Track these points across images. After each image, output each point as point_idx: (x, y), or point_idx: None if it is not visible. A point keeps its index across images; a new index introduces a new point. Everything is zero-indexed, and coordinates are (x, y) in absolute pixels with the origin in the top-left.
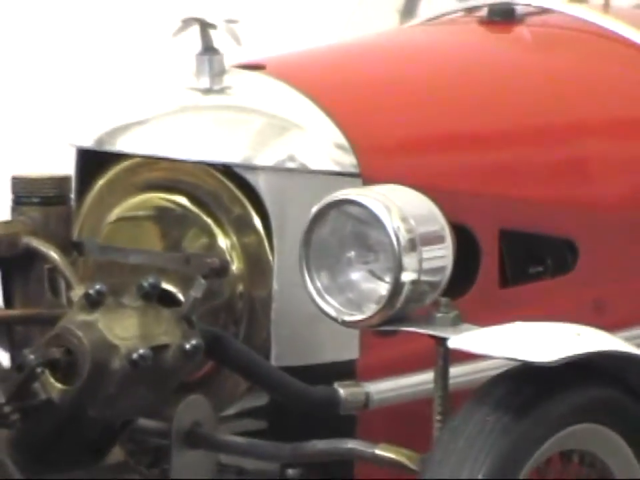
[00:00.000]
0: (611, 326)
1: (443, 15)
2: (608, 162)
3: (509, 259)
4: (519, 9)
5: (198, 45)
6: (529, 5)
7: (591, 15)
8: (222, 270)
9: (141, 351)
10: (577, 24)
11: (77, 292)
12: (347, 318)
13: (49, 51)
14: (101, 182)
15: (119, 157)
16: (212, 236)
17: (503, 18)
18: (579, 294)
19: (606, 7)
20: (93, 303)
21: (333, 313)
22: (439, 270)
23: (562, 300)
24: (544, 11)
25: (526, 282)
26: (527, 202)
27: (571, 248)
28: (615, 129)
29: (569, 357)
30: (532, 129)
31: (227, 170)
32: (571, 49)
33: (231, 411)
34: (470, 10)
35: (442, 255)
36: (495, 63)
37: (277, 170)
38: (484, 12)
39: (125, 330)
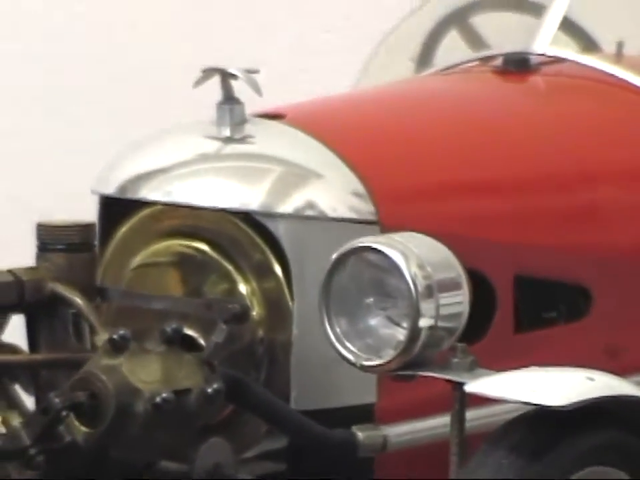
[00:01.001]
0: (624, 371)
1: (458, 64)
2: (621, 209)
3: (524, 304)
4: (533, 59)
5: (219, 94)
6: (543, 54)
7: (604, 64)
8: (242, 315)
9: (164, 395)
10: (590, 73)
11: (101, 337)
12: (366, 363)
13: (73, 97)
14: (124, 229)
15: (141, 204)
16: (233, 282)
17: (517, 67)
18: (593, 339)
19: (619, 57)
20: (116, 347)
21: (351, 358)
22: (456, 316)
23: (576, 345)
24: (558, 60)
25: (540, 327)
26: (541, 248)
27: (585, 294)
28: (628, 177)
29: (582, 401)
30: (546, 177)
31: (247, 217)
32: (585, 98)
33: (251, 453)
34: (485, 59)
35: (458, 301)
36: (510, 112)
37: (296, 217)
38: (499, 61)
39: (148, 374)
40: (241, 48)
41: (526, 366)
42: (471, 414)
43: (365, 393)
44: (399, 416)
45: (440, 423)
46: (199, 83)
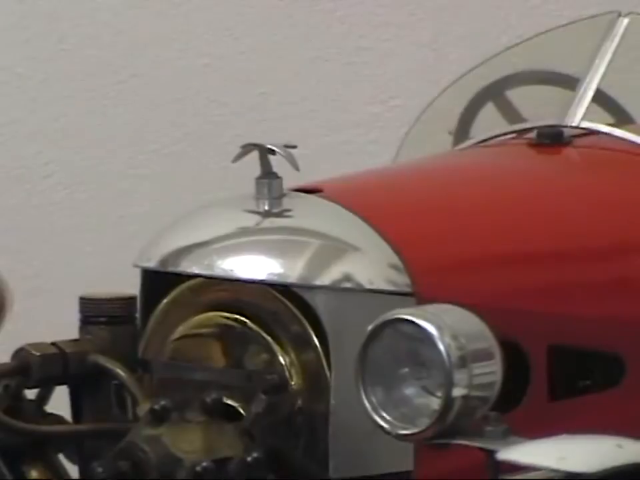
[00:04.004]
0: None
1: (494, 137)
2: None
3: (557, 373)
4: (567, 132)
5: (257, 169)
6: (576, 127)
7: (637, 137)
8: (282, 386)
9: (204, 464)
10: (624, 146)
11: (143, 407)
12: (401, 432)
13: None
14: (165, 301)
15: (182, 277)
16: (272, 353)
17: (551, 141)
18: (626, 407)
19: None
20: (158, 417)
21: (387, 427)
22: (489, 385)
23: (610, 414)
24: (591, 133)
25: (574, 396)
26: (574, 318)
27: (618, 363)
28: None
29: (610, 468)
30: (580, 248)
31: (286, 290)
32: (618, 170)
33: None
34: (520, 132)
35: (492, 370)
36: (544, 185)
37: (334, 289)
38: (533, 134)
39: (189, 444)
40: (284, 122)
41: (560, 434)
42: None
43: (402, 461)
44: None
45: None
46: (237, 158)
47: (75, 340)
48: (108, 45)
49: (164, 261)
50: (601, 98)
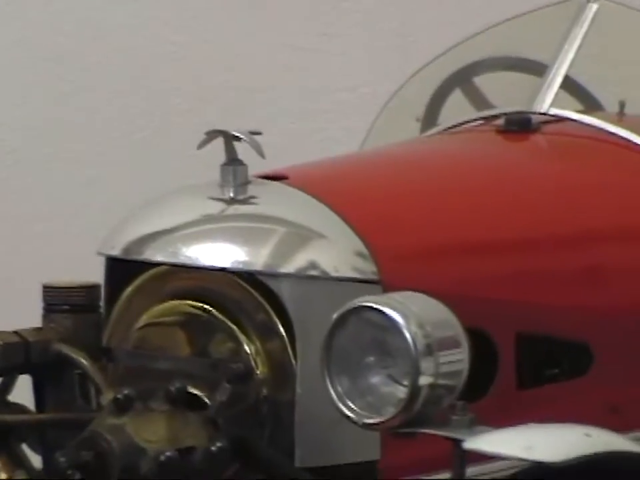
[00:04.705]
0: (626, 428)
1: (462, 123)
2: (622, 268)
3: (525, 361)
4: (535, 118)
5: (222, 156)
6: (545, 114)
7: (606, 124)
8: (247, 375)
9: (168, 454)
10: (592, 133)
11: (106, 396)
12: (367, 421)
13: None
14: (129, 290)
15: (146, 265)
16: (237, 342)
17: (519, 127)
18: (594, 396)
19: (620, 116)
20: (121, 407)
21: (353, 416)
22: (456, 374)
23: (578, 402)
24: (560, 119)
25: (542, 384)
26: (542, 307)
27: (586, 351)
28: (629, 236)
29: (578, 457)
30: (548, 236)
31: (251, 278)
32: (587, 158)
33: None
34: (488, 118)
35: (458, 359)
36: (512, 172)
37: (299, 277)
38: (501, 120)
39: (152, 433)
40: (251, 110)
41: (528, 422)
42: (472, 470)
43: (369, 451)
44: (402, 473)
45: (442, 479)
46: (202, 144)
47: (38, 328)
48: (73, 32)
49: (128, 249)
50: (569, 85)
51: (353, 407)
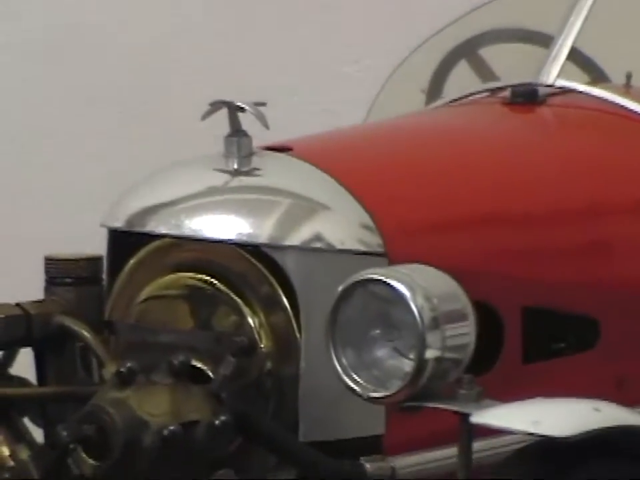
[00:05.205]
0: (633, 402)
1: (467, 95)
2: (629, 242)
3: (531, 335)
4: (541, 90)
5: (227, 127)
6: (551, 86)
7: (613, 96)
8: (250, 348)
9: (172, 427)
10: (599, 105)
11: (109, 370)
12: (372, 395)
13: (80, 130)
14: (132, 262)
15: (149, 237)
16: (241, 315)
17: (525, 99)
18: (601, 370)
19: (627, 88)
20: (124, 380)
21: (358, 389)
22: (462, 347)
23: (584, 376)
24: (566, 91)
25: (548, 358)
26: (549, 281)
27: (593, 326)
28: (636, 209)
29: (587, 431)
30: (555, 210)
31: (255, 250)
32: (594, 130)
33: None
34: (494, 90)
35: (465, 332)
36: (518, 145)
37: (304, 250)
38: (507, 92)
39: (155, 407)
40: (253, 83)
41: (534, 396)
42: (478, 445)
43: (373, 425)
44: (407, 447)
45: (447, 454)
46: (206, 115)
47: (40, 301)
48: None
49: (131, 221)
50: (576, 56)
51: (358, 380)
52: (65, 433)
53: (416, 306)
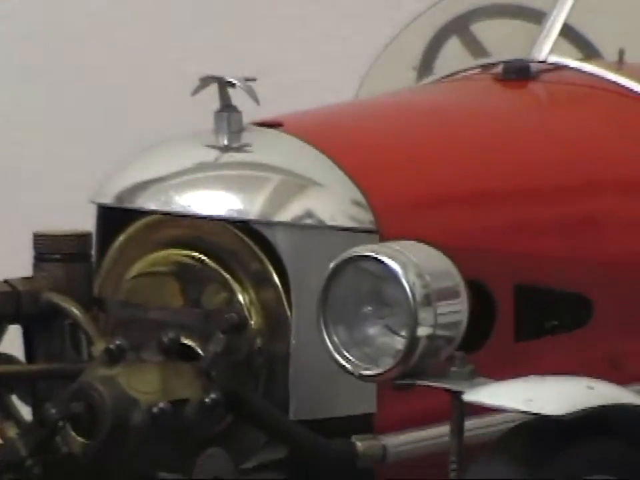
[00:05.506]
0: (625, 380)
1: (459, 72)
2: (622, 219)
3: (524, 313)
4: (534, 66)
5: (217, 103)
6: (543, 62)
7: (605, 72)
8: (241, 325)
9: (161, 405)
10: (591, 81)
11: (98, 347)
12: (364, 372)
13: (70, 105)
14: (121, 238)
15: (138, 213)
16: (231, 291)
17: (517, 75)
18: (594, 348)
19: (620, 64)
20: (113, 357)
21: (350, 367)
22: (454, 325)
23: (577, 354)
24: (558, 67)
25: (541, 336)
26: (541, 258)
27: (586, 303)
28: (628, 185)
29: (581, 410)
30: (547, 187)
31: (245, 226)
32: (586, 106)
33: (250, 463)
34: (485, 67)
35: (457, 309)
36: (510, 121)
37: (295, 226)
38: (499, 69)
39: (145, 384)
40: (243, 60)
41: (527, 375)
42: (470, 423)
43: (364, 403)
44: (398, 426)
45: (439, 432)
46: (196, 90)
47: (29, 277)
48: None
49: (120, 197)
50: (568, 32)
51: (349, 357)
52: (53, 411)
53: (408, 283)
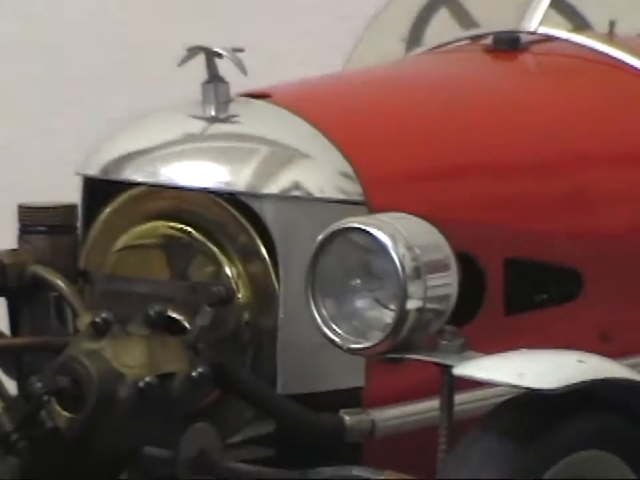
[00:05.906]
0: (616, 354)
1: (448, 43)
2: (612, 192)
3: (514, 287)
4: (524, 38)
5: (204, 74)
6: (533, 33)
7: (596, 43)
8: (228, 298)
9: (148, 379)
10: (581, 52)
11: (84, 320)
12: (353, 346)
13: (55, 78)
14: (107, 210)
15: (125, 185)
16: (218, 264)
17: (508, 46)
18: (584, 322)
19: (610, 36)
20: (99, 331)
21: (338, 340)
22: (444, 298)
23: (567, 328)
24: (548, 39)
25: (531, 310)
26: (531, 231)
27: (576, 276)
28: (619, 158)
29: (572, 384)
30: (536, 159)
31: (233, 198)
32: (576, 77)
33: (237, 438)
34: (475, 38)
35: (447, 282)
36: (500, 92)
37: (282, 198)
38: (489, 40)
39: (131, 358)
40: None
41: (517, 348)
42: (460, 397)
43: (353, 377)
44: (387, 400)
45: (429, 407)
46: (183, 61)
47: (13, 250)
48: None
49: (106, 169)
50: (558, 4)
51: (338, 331)
52: (38, 385)
53: (397, 255)
